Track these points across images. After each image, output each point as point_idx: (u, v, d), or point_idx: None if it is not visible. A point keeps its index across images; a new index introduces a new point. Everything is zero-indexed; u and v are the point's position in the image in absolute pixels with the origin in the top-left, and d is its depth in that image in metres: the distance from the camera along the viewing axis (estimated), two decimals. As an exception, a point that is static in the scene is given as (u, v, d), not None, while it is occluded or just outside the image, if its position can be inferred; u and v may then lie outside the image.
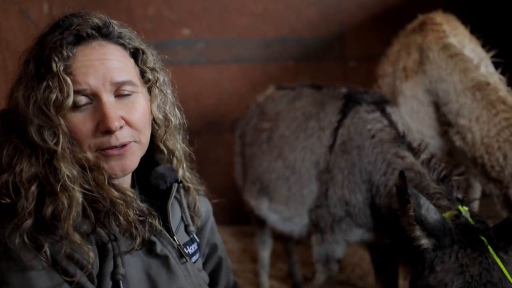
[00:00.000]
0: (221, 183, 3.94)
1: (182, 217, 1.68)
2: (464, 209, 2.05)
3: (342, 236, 2.68)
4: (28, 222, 1.24)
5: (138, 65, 1.52)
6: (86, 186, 1.34)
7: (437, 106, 3.03)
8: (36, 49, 1.40)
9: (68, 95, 1.33)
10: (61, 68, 1.33)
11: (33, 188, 1.28)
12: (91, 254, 1.29)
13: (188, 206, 1.73)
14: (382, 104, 2.70)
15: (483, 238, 1.93)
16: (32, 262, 1.23)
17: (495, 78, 2.88)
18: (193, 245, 1.67)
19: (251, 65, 4.77)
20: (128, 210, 1.38)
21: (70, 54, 1.36)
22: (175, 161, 1.69)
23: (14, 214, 1.25)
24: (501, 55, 3.06)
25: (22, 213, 1.25)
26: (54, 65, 1.32)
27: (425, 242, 1.96)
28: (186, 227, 1.68)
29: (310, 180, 2.77)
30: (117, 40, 1.47)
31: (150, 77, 1.53)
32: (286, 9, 4.72)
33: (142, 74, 1.52)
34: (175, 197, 1.65)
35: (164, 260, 1.48)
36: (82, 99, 1.37)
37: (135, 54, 1.52)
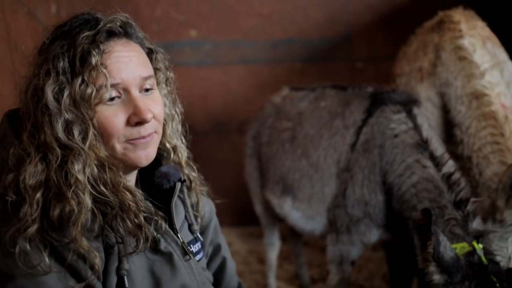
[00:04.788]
0: (228, 184, 3.95)
1: (185, 216, 1.69)
2: (479, 247, 2.04)
3: (359, 237, 2.66)
4: (32, 229, 1.24)
5: (152, 64, 1.57)
6: (100, 188, 1.35)
7: (445, 111, 2.93)
8: (67, 44, 1.39)
9: (106, 88, 1.37)
10: (99, 62, 1.36)
11: (38, 195, 1.28)
12: (97, 261, 1.31)
13: (192, 206, 1.74)
14: (409, 104, 2.66)
15: (494, 279, 1.93)
16: (35, 269, 1.23)
17: (500, 88, 2.72)
18: (197, 244, 1.68)
19: (258, 66, 4.77)
20: (138, 213, 1.40)
21: (109, 48, 1.40)
22: (177, 158, 1.71)
23: (17, 218, 1.25)
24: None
25: (25, 219, 1.25)
26: (93, 59, 1.35)
27: (437, 277, 1.96)
28: (190, 226, 1.69)
29: (331, 178, 2.76)
30: (137, 39, 1.53)
31: (162, 75, 1.61)
32: (293, 10, 4.72)
33: (155, 72, 1.58)
34: (178, 196, 1.67)
35: (168, 257, 1.49)
36: (113, 93, 1.41)
37: (150, 54, 1.57)
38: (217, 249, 1.88)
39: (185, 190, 1.73)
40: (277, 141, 3.13)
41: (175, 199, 1.62)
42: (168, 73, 1.63)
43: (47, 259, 1.24)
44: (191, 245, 1.64)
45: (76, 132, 1.34)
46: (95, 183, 1.35)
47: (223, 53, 4.75)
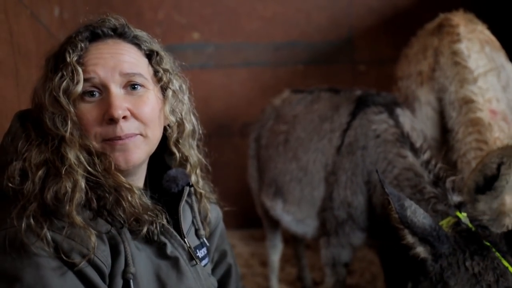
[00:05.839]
0: (230, 187, 3.95)
1: (193, 221, 1.69)
2: (462, 216, 1.99)
3: (346, 239, 2.66)
4: (34, 205, 1.28)
5: (151, 65, 1.55)
6: (92, 171, 1.38)
7: (442, 117, 2.89)
8: (57, 47, 1.48)
9: (77, 83, 1.39)
10: (74, 59, 1.41)
11: (40, 173, 1.33)
12: (93, 239, 1.30)
13: (199, 212, 1.73)
14: (391, 105, 2.67)
15: (488, 243, 1.87)
16: (37, 245, 1.25)
17: (493, 94, 2.69)
18: (203, 249, 1.68)
19: (261, 69, 4.78)
20: (133, 196, 1.41)
21: (84, 47, 1.44)
22: (188, 167, 1.70)
23: (22, 195, 1.31)
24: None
25: (28, 196, 1.30)
26: (68, 56, 1.40)
27: (420, 250, 1.88)
28: (197, 231, 1.69)
29: (320, 182, 2.77)
30: (132, 40, 1.53)
31: (163, 78, 1.56)
32: (295, 13, 4.72)
33: (155, 73, 1.56)
34: (186, 201, 1.66)
35: (174, 261, 1.49)
36: (93, 90, 1.43)
37: (150, 55, 1.56)
38: (223, 255, 1.88)
39: (193, 196, 1.72)
40: (273, 144, 3.15)
41: (183, 203, 1.62)
42: (170, 75, 1.58)
43: (48, 235, 1.26)
44: (198, 250, 1.64)
45: (59, 124, 1.38)
46: (87, 166, 1.38)
47: (226, 55, 4.75)
